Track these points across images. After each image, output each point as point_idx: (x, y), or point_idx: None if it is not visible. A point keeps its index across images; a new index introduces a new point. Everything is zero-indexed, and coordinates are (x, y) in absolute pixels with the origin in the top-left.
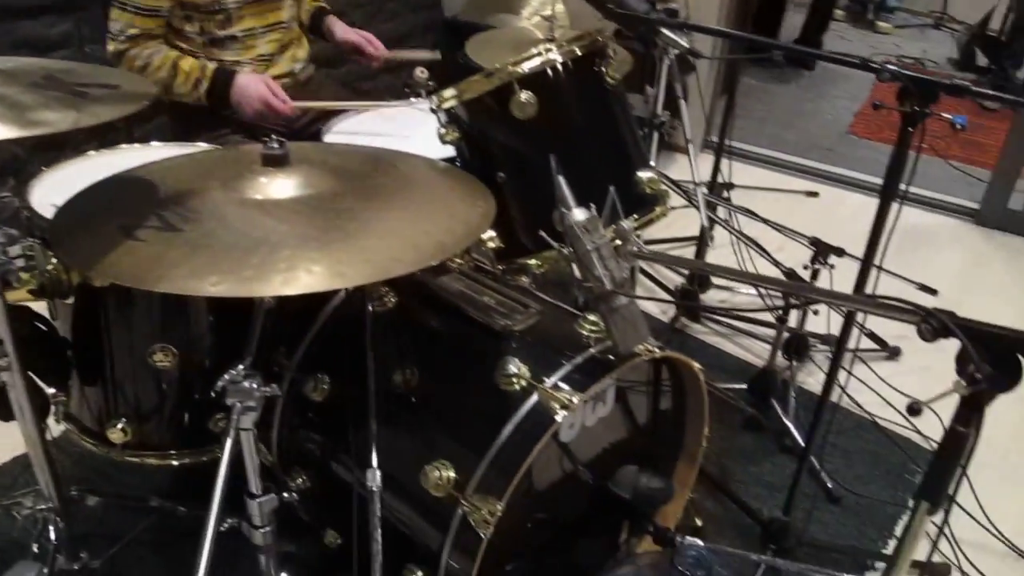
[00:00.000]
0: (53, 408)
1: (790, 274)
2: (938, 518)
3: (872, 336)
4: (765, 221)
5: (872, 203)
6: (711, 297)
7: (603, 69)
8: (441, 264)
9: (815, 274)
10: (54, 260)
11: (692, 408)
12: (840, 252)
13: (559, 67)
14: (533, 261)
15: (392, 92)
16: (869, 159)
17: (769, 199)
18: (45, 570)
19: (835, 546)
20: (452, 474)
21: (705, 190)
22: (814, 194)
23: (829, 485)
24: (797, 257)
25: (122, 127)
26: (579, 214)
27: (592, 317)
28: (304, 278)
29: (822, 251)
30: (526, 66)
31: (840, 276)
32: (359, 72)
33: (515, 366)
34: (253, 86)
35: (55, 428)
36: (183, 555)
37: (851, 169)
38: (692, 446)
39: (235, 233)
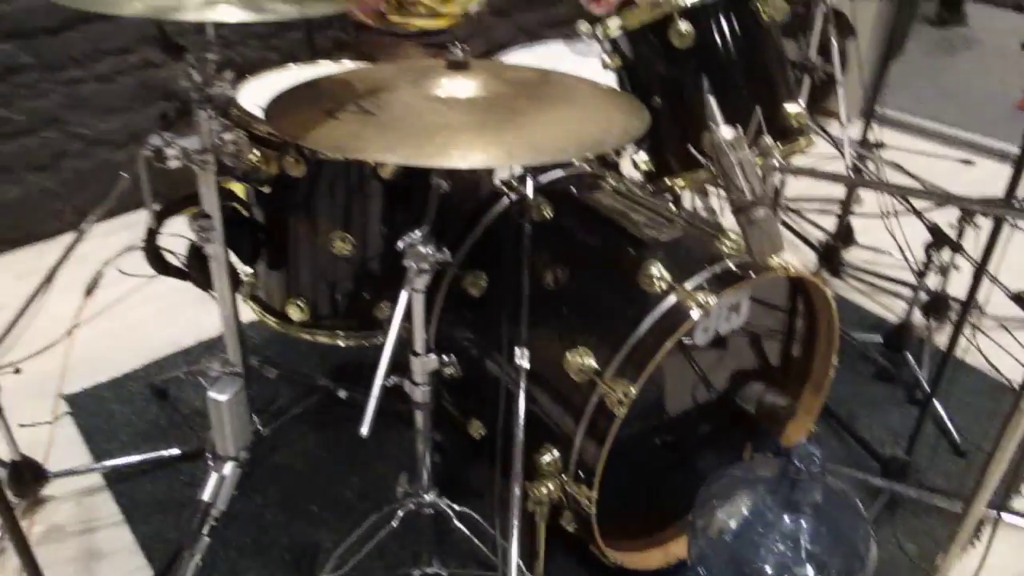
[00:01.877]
0: (241, 286)
1: (934, 230)
2: None
3: (1018, 299)
4: (911, 175)
5: None
6: (853, 256)
7: (758, 7)
8: (595, 182)
9: (961, 232)
10: (255, 152)
11: (822, 335)
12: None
13: (717, 1)
14: (679, 181)
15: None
16: None
17: (921, 164)
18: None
19: (954, 492)
20: (592, 362)
21: (851, 136)
22: (969, 163)
23: (957, 438)
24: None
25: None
26: (726, 131)
27: (732, 235)
28: (479, 155)
29: (969, 211)
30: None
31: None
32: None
33: (657, 269)
34: None
35: (246, 314)
36: (337, 435)
37: (1015, 144)
38: (819, 374)
39: (421, 119)
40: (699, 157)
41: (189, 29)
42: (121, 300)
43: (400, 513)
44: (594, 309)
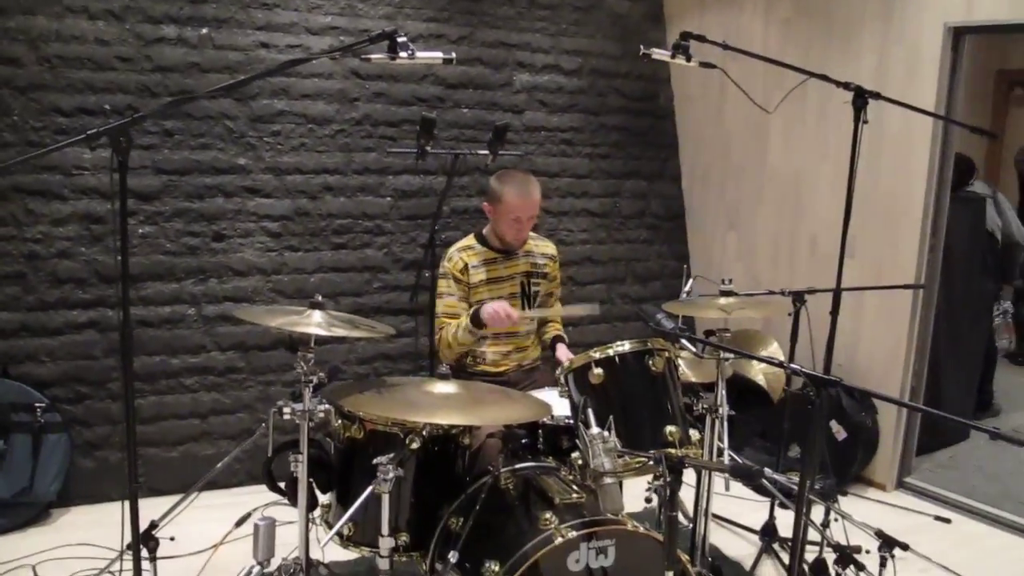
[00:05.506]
0: (318, 510)
1: (850, 555)
2: None
3: None
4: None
5: None
6: None
7: (649, 361)
8: (549, 471)
9: (883, 561)
10: (338, 420)
11: None
12: (904, 547)
13: (619, 356)
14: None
15: None
16: None
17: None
18: None
19: None
20: (496, 568)
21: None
22: (945, 520)
23: None
24: None
25: None
26: (594, 430)
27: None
28: (449, 417)
29: (888, 542)
30: (599, 354)
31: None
32: None
33: (551, 515)
34: (489, 307)
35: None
36: None
37: None
38: None
39: (418, 402)
40: (578, 443)
41: (307, 338)
42: None
43: None
44: (508, 535)
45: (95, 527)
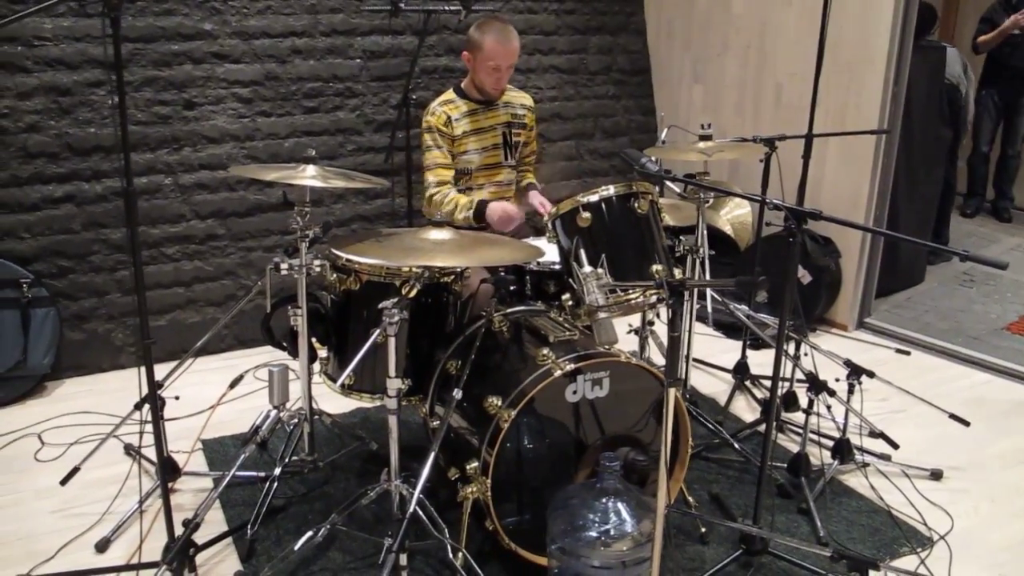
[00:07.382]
0: (318, 362)
1: (822, 383)
2: None
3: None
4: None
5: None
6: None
7: (634, 204)
8: (540, 313)
9: (851, 388)
10: (334, 275)
11: (682, 423)
12: (871, 374)
13: (605, 200)
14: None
15: None
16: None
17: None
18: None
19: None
20: (499, 402)
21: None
22: (905, 352)
23: (821, 533)
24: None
25: None
26: (587, 268)
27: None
28: (445, 261)
29: (856, 370)
30: (586, 198)
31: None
32: None
33: (548, 351)
34: (497, 207)
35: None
36: (367, 475)
37: (983, 353)
38: (683, 452)
39: (414, 247)
40: (572, 283)
41: (302, 192)
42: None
43: (375, 492)
44: (507, 372)
45: (91, 396)
